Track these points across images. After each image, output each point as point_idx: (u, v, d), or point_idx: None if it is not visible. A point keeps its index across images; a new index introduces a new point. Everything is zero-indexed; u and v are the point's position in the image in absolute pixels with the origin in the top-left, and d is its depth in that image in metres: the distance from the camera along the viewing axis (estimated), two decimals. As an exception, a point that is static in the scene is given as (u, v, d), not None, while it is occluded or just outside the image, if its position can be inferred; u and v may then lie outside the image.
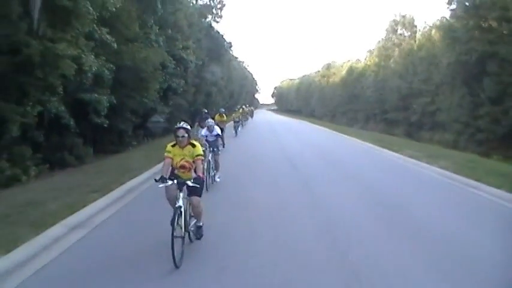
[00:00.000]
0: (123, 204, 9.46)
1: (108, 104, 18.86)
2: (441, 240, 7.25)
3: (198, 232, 6.88)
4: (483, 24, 33.15)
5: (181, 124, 6.61)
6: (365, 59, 72.74)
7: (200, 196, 6.64)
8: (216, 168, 12.12)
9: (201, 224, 6.88)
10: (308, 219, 8.35)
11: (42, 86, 13.89)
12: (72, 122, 17.10)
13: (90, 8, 15.37)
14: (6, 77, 12.42)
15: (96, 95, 18.17)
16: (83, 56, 15.43)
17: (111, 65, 18.67)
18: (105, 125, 19.43)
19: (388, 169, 16.26)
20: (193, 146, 6.62)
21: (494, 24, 32.69)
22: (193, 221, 6.76)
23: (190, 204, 6.57)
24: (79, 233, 7.21)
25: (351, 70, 74.86)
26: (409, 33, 57.64)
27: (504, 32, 32.20)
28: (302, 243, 6.90)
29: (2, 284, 5.22)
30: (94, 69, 16.58)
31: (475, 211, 9.75)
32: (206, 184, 10.06)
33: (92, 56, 16.53)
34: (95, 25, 17.17)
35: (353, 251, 6.58)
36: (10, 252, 5.93)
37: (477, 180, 12.26)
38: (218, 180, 12.03)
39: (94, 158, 19.36)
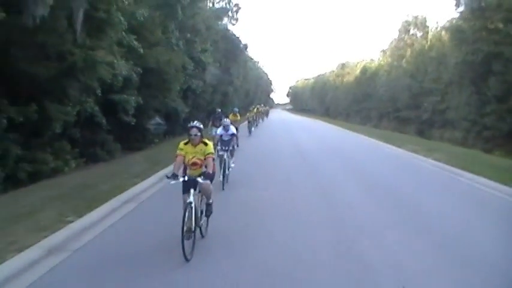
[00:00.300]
0: (160, 186, 11.25)
1: (135, 104, 20.75)
2: (413, 205, 10.00)
3: (208, 209, 7.20)
4: (489, 26, 34.08)
5: (194, 123, 6.87)
6: (378, 59, 73.45)
7: (211, 182, 6.94)
8: (232, 155, 12.61)
9: (210, 201, 7.20)
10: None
11: (81, 88, 15.76)
12: (104, 120, 19.02)
13: (122, 18, 17.25)
14: (52, 81, 14.25)
15: (125, 95, 20.08)
16: (115, 61, 17.28)
17: (139, 69, 20.54)
18: (133, 123, 21.34)
19: (390, 161, 18.42)
20: (205, 144, 6.84)
21: (500, 25, 33.62)
22: (204, 219, 7.13)
23: (200, 189, 6.80)
24: (130, 206, 9.14)
25: (364, 70, 75.23)
26: (421, 33, 58.44)
27: (510, 32, 33.22)
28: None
29: (87, 232, 7.16)
30: (124, 73, 18.42)
31: (452, 190, 12.31)
32: (222, 184, 11.03)
33: (123, 61, 18.40)
34: (123, 32, 19.04)
35: (352, 222, 8.33)
36: (82, 216, 7.83)
37: (462, 168, 14.23)
38: (233, 165, 12.56)
39: (122, 154, 21.16)
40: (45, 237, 6.60)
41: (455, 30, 38.39)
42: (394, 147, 22.56)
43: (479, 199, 11.25)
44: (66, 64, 14.23)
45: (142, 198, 9.77)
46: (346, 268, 6.02)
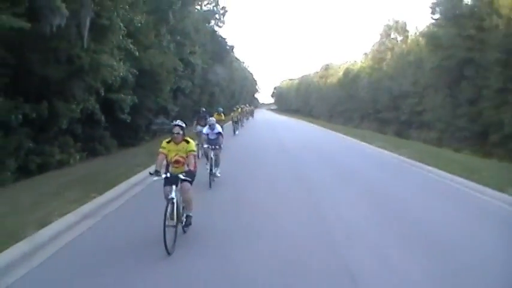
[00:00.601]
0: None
1: (131, 103, 22.39)
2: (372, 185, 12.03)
3: (188, 221, 7.21)
4: (463, 33, 36.11)
5: (176, 122, 7.13)
6: (361, 61, 75.37)
7: (191, 184, 7.08)
8: (217, 164, 12.33)
9: (190, 213, 7.25)
10: (296, 189, 11.77)
11: (86, 88, 17.37)
12: (102, 118, 20.61)
13: (121, 24, 18.87)
14: (61, 82, 15.85)
15: (122, 95, 21.72)
16: (115, 63, 18.88)
17: (135, 70, 22.19)
18: (128, 121, 22.95)
19: (360, 154, 21.17)
20: (187, 142, 7.07)
21: (472, 32, 35.68)
22: (186, 213, 7.22)
23: (181, 191, 6.94)
24: (139, 187, 10.96)
25: (347, 71, 76.74)
26: (402, 37, 60.55)
27: (481, 39, 35.31)
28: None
29: (110, 204, 8.99)
30: (122, 74, 20.05)
31: (402, 174, 15.30)
32: (209, 182, 11.36)
33: (121, 63, 20.02)
34: (121, 36, 20.66)
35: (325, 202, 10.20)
36: (103, 194, 9.59)
37: (420, 161, 16.78)
38: (219, 175, 12.33)
39: (117, 149, 22.69)
40: (78, 207, 8.35)
41: (431, 36, 40.59)
42: (366, 144, 25.12)
43: (422, 181, 13.98)
44: (74, 67, 15.85)
45: (147, 182, 11.46)
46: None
